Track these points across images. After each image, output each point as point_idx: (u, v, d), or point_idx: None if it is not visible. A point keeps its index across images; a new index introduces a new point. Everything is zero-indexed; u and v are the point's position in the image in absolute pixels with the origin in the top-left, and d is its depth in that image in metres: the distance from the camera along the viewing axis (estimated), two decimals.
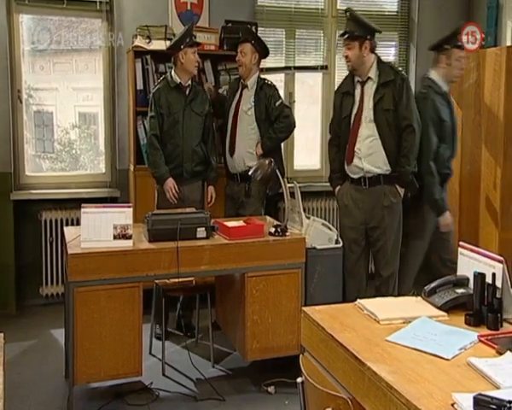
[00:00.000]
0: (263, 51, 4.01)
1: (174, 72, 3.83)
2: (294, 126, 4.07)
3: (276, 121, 3.93)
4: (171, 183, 3.78)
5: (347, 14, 3.57)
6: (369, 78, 3.53)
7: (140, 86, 4.25)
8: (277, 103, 3.93)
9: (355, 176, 3.60)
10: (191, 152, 3.85)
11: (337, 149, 3.71)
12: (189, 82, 3.87)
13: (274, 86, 4.04)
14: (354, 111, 3.56)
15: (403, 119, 3.47)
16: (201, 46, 4.16)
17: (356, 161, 3.55)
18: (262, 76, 4.06)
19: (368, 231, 3.64)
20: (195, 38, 3.97)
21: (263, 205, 4.06)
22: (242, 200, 3.99)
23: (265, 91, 3.94)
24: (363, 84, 3.55)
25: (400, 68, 4.10)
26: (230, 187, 4.08)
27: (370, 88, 3.52)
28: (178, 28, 4.41)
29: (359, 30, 3.48)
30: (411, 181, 3.54)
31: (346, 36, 3.50)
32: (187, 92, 3.85)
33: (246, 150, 3.96)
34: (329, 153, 3.82)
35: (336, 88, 3.87)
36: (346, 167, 3.64)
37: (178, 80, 3.81)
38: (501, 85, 4.09)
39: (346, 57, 3.53)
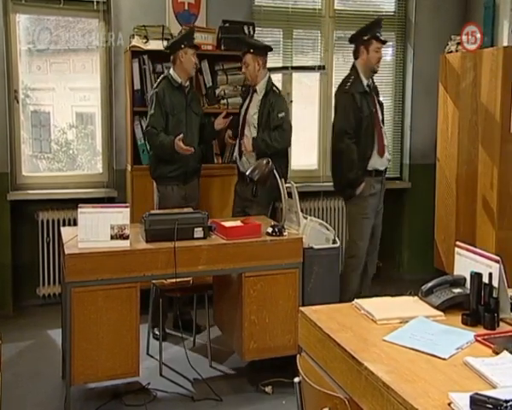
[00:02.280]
0: (264, 52, 4.04)
1: (173, 71, 3.84)
2: (289, 145, 4.08)
3: (274, 131, 3.94)
4: (178, 140, 3.67)
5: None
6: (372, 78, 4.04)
7: (137, 86, 4.25)
8: (280, 115, 3.95)
9: (382, 168, 4.00)
10: (195, 151, 3.87)
11: (357, 147, 3.87)
12: (188, 83, 3.90)
13: (281, 96, 4.09)
14: (373, 109, 3.93)
15: None
16: (199, 46, 4.16)
17: (386, 153, 4.01)
18: (272, 80, 4.10)
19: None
20: (194, 39, 3.97)
21: (268, 207, 4.07)
22: (250, 199, 4.01)
23: (270, 98, 3.97)
24: (371, 84, 4.01)
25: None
26: (240, 186, 4.11)
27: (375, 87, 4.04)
28: (176, 28, 4.41)
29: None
30: None
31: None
32: (186, 93, 3.87)
33: (252, 153, 3.98)
34: (353, 153, 3.87)
35: (346, 89, 3.95)
36: (372, 162, 3.92)
37: (179, 80, 3.82)
38: (497, 85, 4.10)
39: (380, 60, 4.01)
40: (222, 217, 3.83)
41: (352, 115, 3.85)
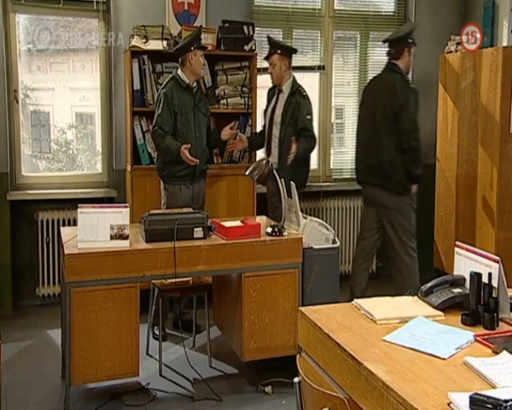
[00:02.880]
0: (290, 54, 4.17)
1: (181, 72, 3.84)
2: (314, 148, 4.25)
3: (302, 137, 4.02)
4: (185, 149, 3.66)
5: None
6: None
7: (137, 86, 4.24)
8: (308, 117, 4.09)
9: None
10: (202, 151, 3.90)
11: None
12: (195, 83, 3.91)
13: (308, 98, 4.17)
14: None
15: None
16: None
17: None
18: (298, 82, 4.21)
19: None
20: (201, 40, 3.96)
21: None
22: (275, 196, 4.05)
23: (297, 98, 4.08)
24: None
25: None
26: (270, 183, 4.11)
27: None
28: (175, 28, 4.41)
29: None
30: None
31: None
32: (194, 93, 3.88)
33: (275, 151, 4.11)
34: (421, 149, 3.92)
35: (413, 87, 4.01)
36: None
37: (187, 81, 3.83)
38: (497, 86, 4.10)
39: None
40: (226, 217, 3.83)
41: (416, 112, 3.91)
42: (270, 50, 4.15)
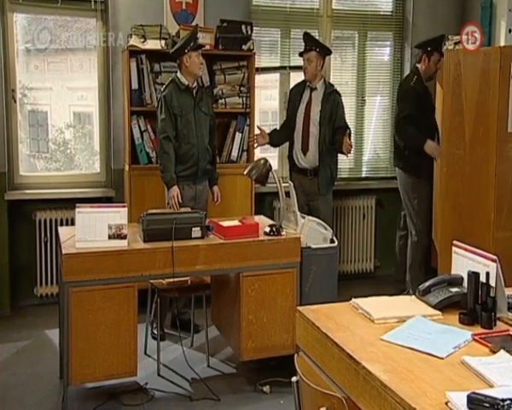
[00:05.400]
0: (326, 54, 4.34)
1: (180, 74, 3.84)
2: None
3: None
4: (176, 191, 3.75)
5: None
6: None
7: (135, 86, 4.24)
8: (344, 116, 4.31)
9: None
10: (204, 151, 3.90)
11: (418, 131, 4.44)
12: (195, 83, 3.91)
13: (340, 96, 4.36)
14: (432, 105, 4.59)
15: None
16: (203, 45, 4.11)
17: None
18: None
19: None
20: (198, 39, 3.93)
21: (332, 200, 4.44)
22: (316, 193, 4.27)
23: (335, 98, 4.25)
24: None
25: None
26: (300, 181, 4.27)
27: None
28: (173, 28, 4.41)
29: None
30: None
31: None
32: (194, 94, 3.87)
33: (316, 148, 4.24)
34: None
35: (412, 85, 4.41)
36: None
37: (186, 82, 3.83)
38: (495, 85, 4.09)
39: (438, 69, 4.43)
40: (224, 216, 3.82)
41: (414, 105, 4.35)
42: (307, 47, 4.23)
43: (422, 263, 4.61)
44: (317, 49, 4.22)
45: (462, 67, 4.25)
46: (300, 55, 4.30)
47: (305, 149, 4.27)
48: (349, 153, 4.17)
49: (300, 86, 4.37)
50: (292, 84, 5.01)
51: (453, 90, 4.26)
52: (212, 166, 4.02)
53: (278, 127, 4.61)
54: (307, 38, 4.31)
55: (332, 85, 4.34)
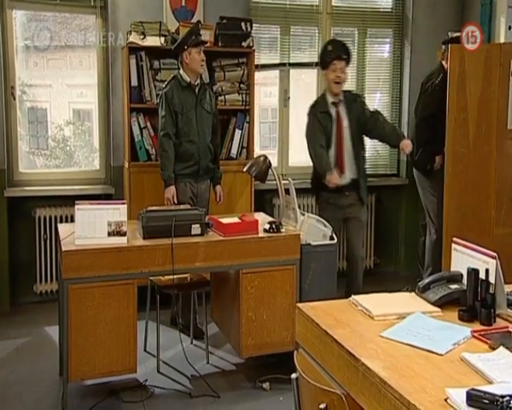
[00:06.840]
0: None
1: (182, 71, 3.83)
2: None
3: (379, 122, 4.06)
4: (171, 191, 3.76)
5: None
6: None
7: (134, 83, 4.23)
8: (371, 109, 4.16)
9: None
10: (206, 149, 3.89)
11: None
12: (198, 81, 3.89)
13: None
14: None
15: None
16: (204, 41, 4.08)
17: None
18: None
19: None
20: (201, 36, 3.90)
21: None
22: (356, 204, 4.05)
23: (357, 100, 4.10)
24: None
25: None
26: (335, 199, 3.98)
27: None
28: (173, 24, 4.40)
29: None
30: None
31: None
32: (196, 91, 3.86)
33: (351, 163, 4.01)
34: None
35: (437, 83, 4.25)
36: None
37: (188, 79, 3.81)
38: (495, 82, 4.09)
39: None
40: (224, 213, 3.82)
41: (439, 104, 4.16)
42: (343, 56, 3.98)
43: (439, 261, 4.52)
44: (348, 59, 4.02)
45: (466, 63, 4.24)
46: (325, 64, 4.00)
47: (341, 170, 3.96)
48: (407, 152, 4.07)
49: (321, 105, 4.03)
50: (291, 82, 5.01)
51: (458, 87, 4.24)
52: (214, 165, 4.01)
53: (321, 151, 3.98)
54: (343, 47, 4.06)
55: (350, 91, 4.17)
